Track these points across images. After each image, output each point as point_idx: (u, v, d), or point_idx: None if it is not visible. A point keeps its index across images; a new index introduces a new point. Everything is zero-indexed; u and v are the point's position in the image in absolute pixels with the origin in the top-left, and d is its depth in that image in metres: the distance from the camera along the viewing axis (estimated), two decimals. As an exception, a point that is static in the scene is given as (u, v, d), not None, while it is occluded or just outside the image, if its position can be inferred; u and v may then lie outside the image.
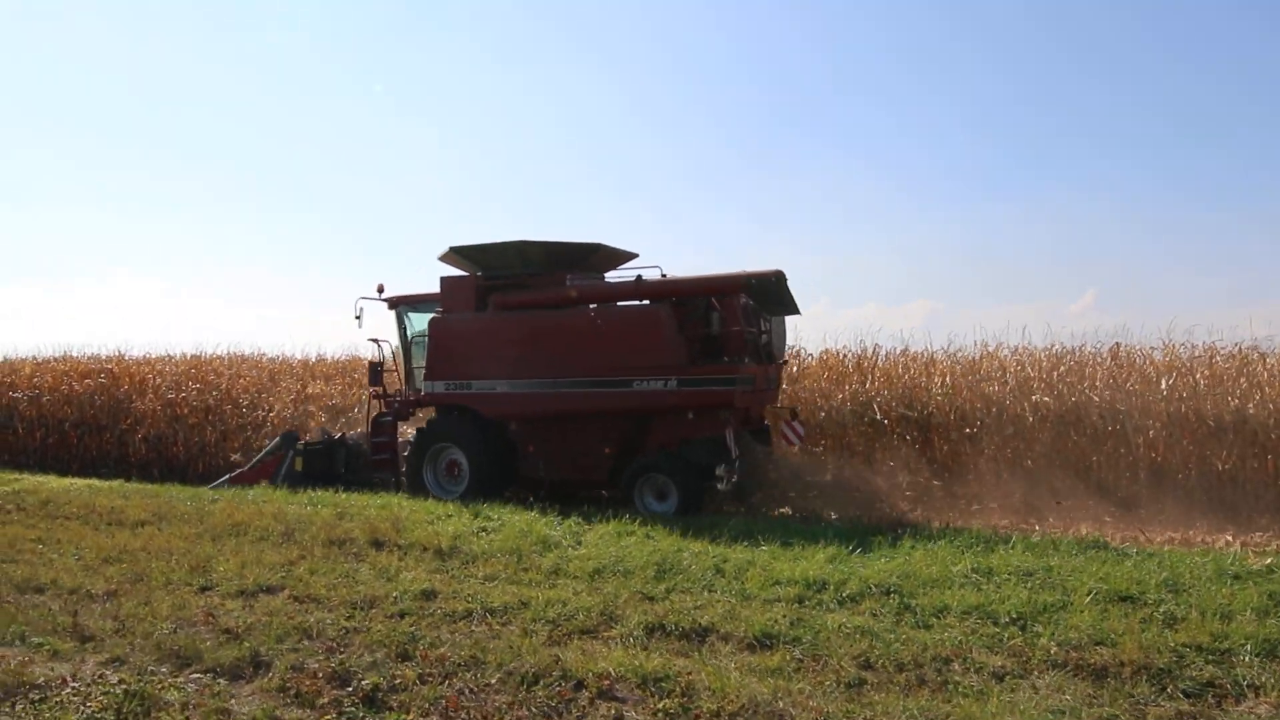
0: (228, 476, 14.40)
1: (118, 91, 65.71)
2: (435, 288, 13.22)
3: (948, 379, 14.08)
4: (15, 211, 60.33)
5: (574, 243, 12.79)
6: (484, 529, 9.79)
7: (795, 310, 12.37)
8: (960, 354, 14.82)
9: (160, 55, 62.96)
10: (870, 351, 14.96)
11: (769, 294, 11.87)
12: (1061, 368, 13.50)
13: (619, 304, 12.43)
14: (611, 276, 13.34)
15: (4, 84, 64.47)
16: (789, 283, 11.83)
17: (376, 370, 13.97)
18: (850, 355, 15.02)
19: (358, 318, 13.59)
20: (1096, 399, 12.75)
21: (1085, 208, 46.99)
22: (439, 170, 65.84)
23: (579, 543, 9.10)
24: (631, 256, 13.48)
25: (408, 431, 14.01)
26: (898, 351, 14.96)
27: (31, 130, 63.29)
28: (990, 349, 14.70)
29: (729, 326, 11.74)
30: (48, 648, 5.75)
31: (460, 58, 62.53)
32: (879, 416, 13.90)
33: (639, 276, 12.50)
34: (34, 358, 20.21)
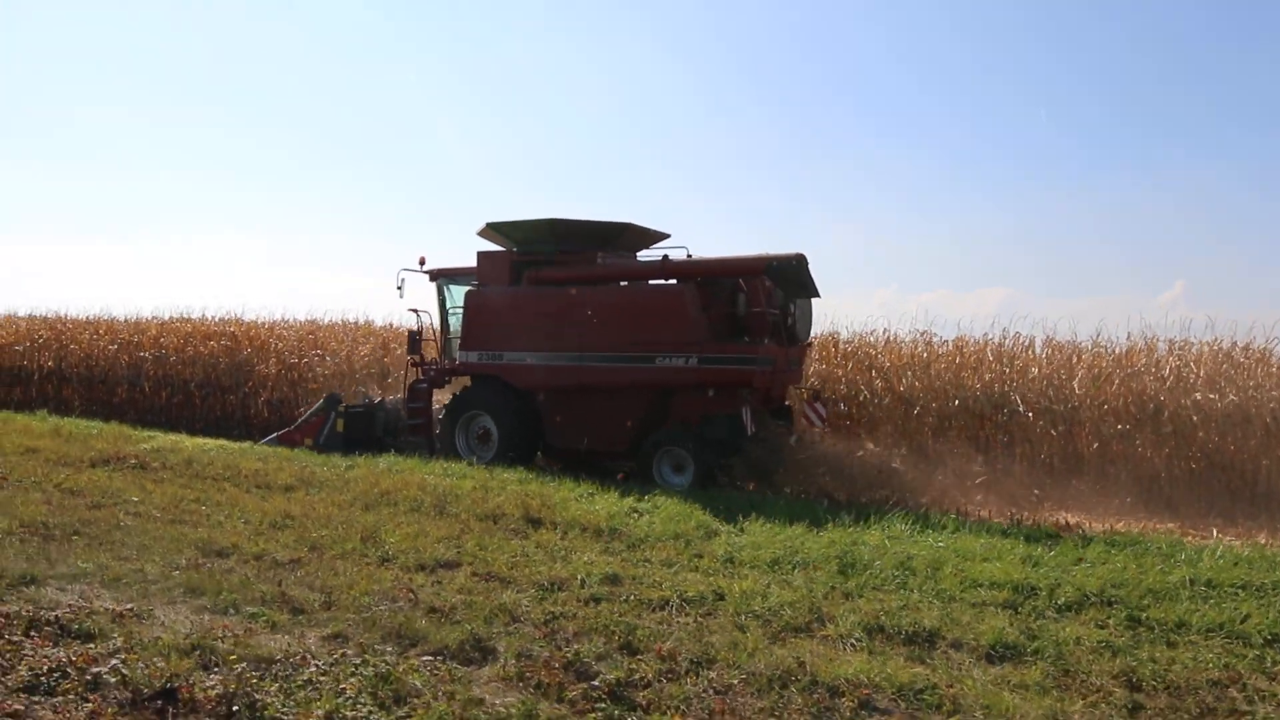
0: (275, 435, 14.93)
1: (195, 51, 66.99)
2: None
3: (1093, 370, 13.37)
4: (113, 172, 62.15)
5: (605, 221, 13.11)
6: (636, 510, 9.51)
7: (815, 293, 12.58)
8: (1107, 345, 14.04)
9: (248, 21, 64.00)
10: (1010, 339, 14.26)
11: (790, 277, 12.07)
12: (1225, 364, 12.66)
13: (645, 282, 12.87)
14: (643, 255, 13.56)
15: (101, 46, 66.24)
16: (809, 265, 12.10)
17: (415, 339, 14.40)
18: (990, 342, 14.32)
19: (399, 288, 14.11)
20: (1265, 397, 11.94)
21: (1170, 198, 44.91)
22: (502, 141, 65.90)
23: (742, 530, 8.77)
24: (663, 237, 13.66)
25: (442, 398, 14.40)
26: (1039, 341, 14.21)
27: (118, 94, 64.96)
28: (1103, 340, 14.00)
29: (749, 307, 12.05)
30: (264, 618, 5.61)
31: (527, 30, 62.25)
32: (1021, 408, 13.25)
33: (665, 256, 12.75)
34: (158, 318, 20.61)
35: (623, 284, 12.96)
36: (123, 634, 5.18)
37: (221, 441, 15.02)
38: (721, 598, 6.51)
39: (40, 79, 66.80)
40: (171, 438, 15.20)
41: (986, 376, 13.79)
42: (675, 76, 60.41)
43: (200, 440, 14.86)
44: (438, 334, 14.64)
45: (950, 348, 14.75)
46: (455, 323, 14.13)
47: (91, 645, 5.01)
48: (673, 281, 12.52)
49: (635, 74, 61.26)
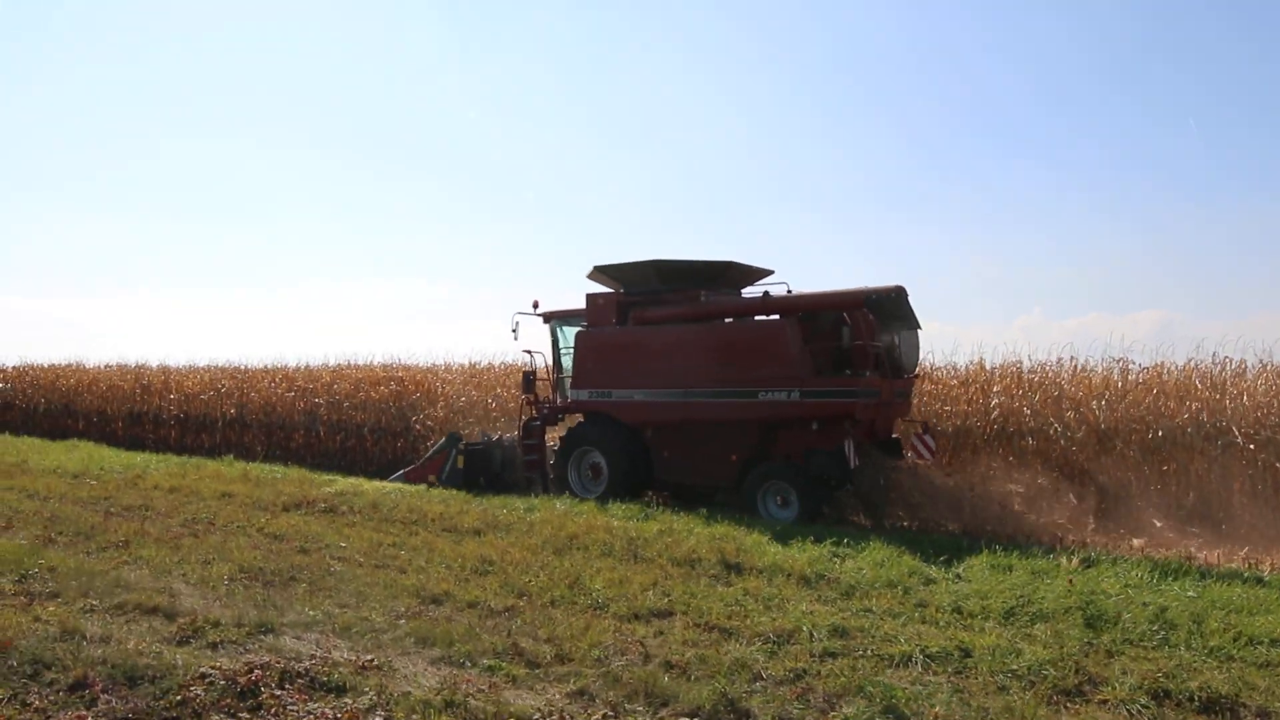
0: (402, 472, 15.61)
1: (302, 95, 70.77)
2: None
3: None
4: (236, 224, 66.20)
5: (707, 261, 13.33)
6: (836, 554, 9.04)
7: (916, 325, 12.49)
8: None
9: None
10: (1218, 364, 13.07)
11: (890, 309, 12.05)
12: None
13: (747, 319, 12.97)
14: (748, 293, 13.75)
15: (205, 87, 71.02)
16: (909, 297, 12.09)
17: (529, 379, 14.87)
18: (1196, 369, 13.17)
19: (514, 331, 14.66)
20: None
21: None
22: (628, 178, 66.60)
23: (958, 576, 8.17)
24: (766, 273, 13.81)
25: (555, 435, 14.78)
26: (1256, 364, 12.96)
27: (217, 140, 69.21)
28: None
29: (849, 340, 12.08)
30: (503, 671, 5.47)
31: (644, 65, 62.96)
32: (1238, 439, 12.07)
33: (766, 292, 13.03)
34: (328, 366, 21.53)
35: (727, 321, 13.07)
36: (373, 688, 5.12)
37: (398, 484, 15.37)
38: (968, 654, 5.98)
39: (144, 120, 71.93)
40: (350, 481, 15.66)
41: (1193, 405, 12.64)
42: (800, 110, 59.94)
43: (377, 483, 15.23)
44: (551, 373, 15.04)
45: (1147, 375, 13.63)
46: (567, 362, 14.44)
47: (346, 699, 4.97)
48: (775, 317, 12.63)
49: (758, 108, 61.13)
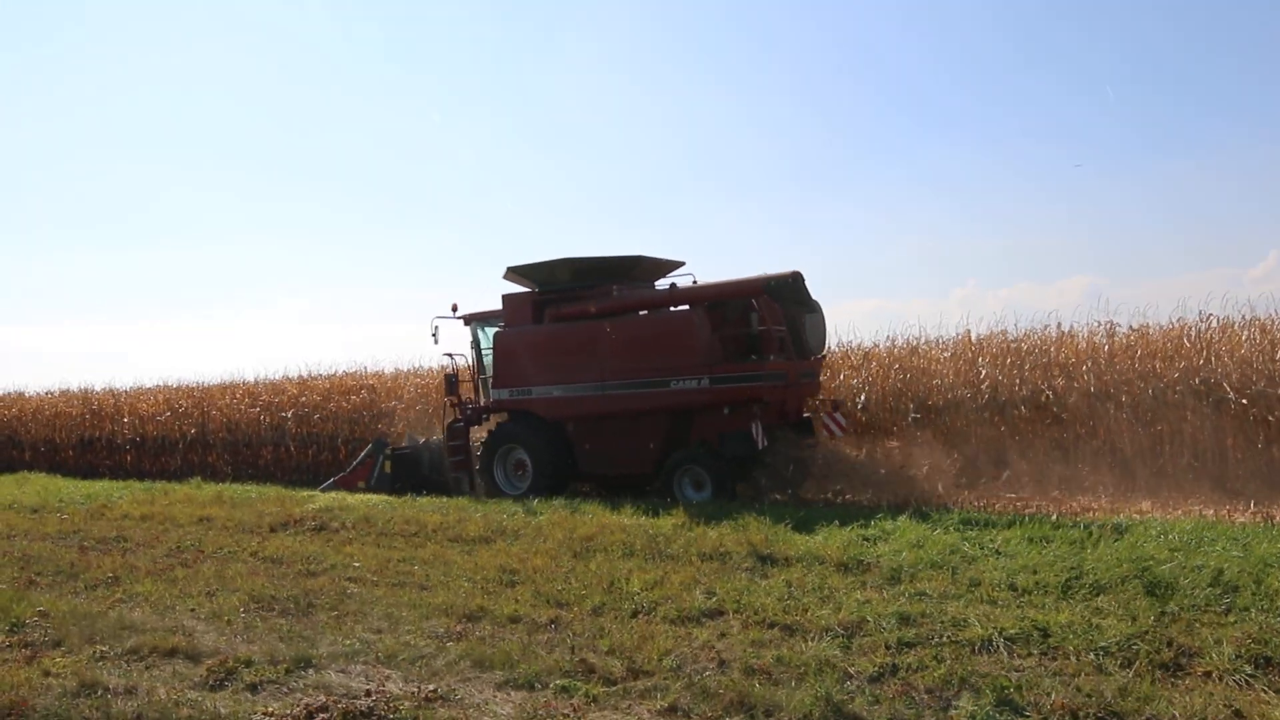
0: (332, 480, 15.91)
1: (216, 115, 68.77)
2: None
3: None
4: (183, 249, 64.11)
5: (617, 256, 13.60)
6: (865, 538, 8.79)
7: (814, 308, 12.83)
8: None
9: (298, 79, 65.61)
10: (1203, 322, 13.17)
11: (789, 294, 12.36)
12: None
13: (657, 311, 13.26)
14: (662, 284, 14.07)
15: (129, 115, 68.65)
16: (806, 281, 12.49)
17: (452, 381, 15.01)
18: (1184, 326, 13.24)
19: (434, 335, 14.78)
20: None
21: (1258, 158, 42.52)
22: (544, 176, 66.03)
23: (998, 552, 7.97)
24: (677, 265, 14.13)
25: (480, 436, 14.95)
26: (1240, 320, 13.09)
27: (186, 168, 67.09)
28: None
29: (752, 326, 12.37)
30: (580, 692, 5.07)
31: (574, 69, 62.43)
32: (1230, 395, 12.17)
33: (673, 284, 13.61)
34: (292, 378, 20.63)
35: (638, 314, 13.31)
36: (447, 722, 4.68)
37: (382, 495, 14.75)
38: (1046, 633, 5.75)
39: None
40: (330, 496, 14.98)
41: (1181, 365, 12.73)
42: (715, 93, 59.88)
43: (360, 496, 14.60)
44: (474, 374, 15.14)
45: (1131, 336, 13.70)
46: (489, 362, 14.54)
47: (423, 739, 4.53)
48: (684, 308, 12.93)
49: (673, 94, 60.90)
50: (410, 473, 15.19)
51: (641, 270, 13.89)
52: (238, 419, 20.14)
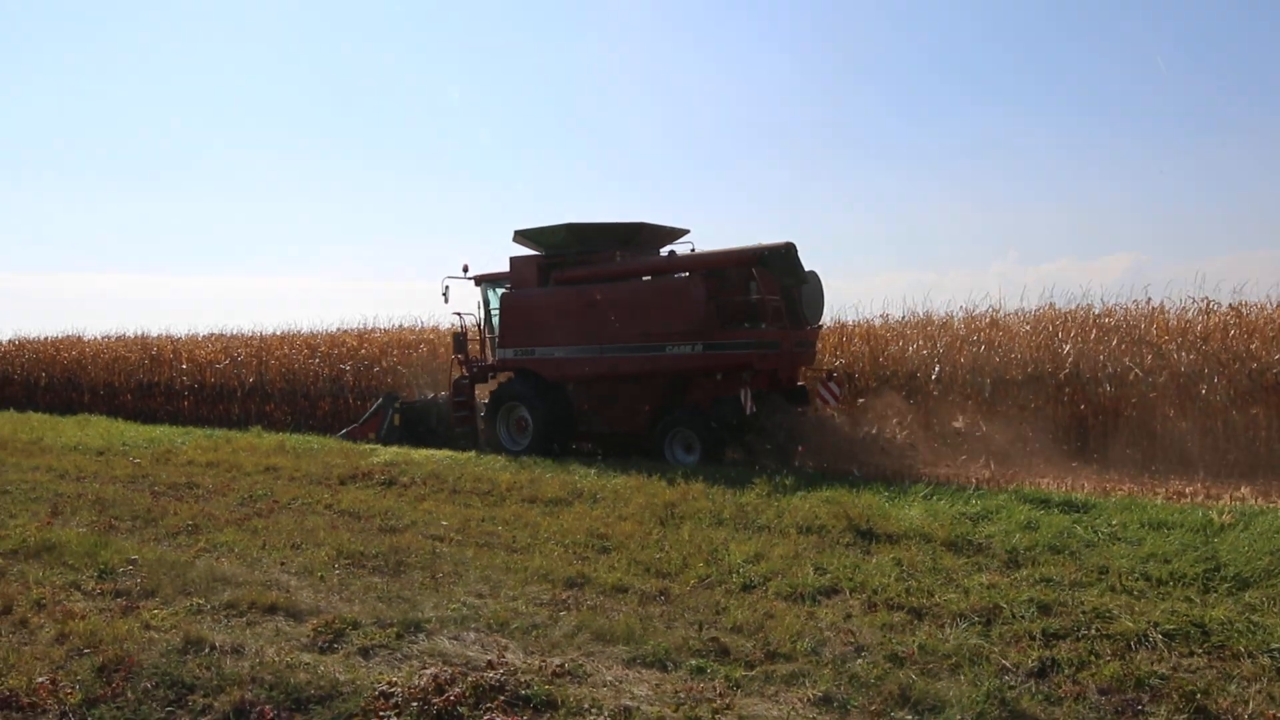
0: (345, 430, 16.22)
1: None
2: None
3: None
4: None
5: (621, 223, 13.70)
6: (966, 515, 8.32)
7: (804, 279, 12.79)
8: None
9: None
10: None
11: (781, 264, 12.48)
12: None
13: (657, 277, 13.32)
14: (666, 251, 14.17)
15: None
16: (799, 252, 12.63)
17: (460, 339, 15.17)
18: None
19: (445, 294, 14.69)
20: None
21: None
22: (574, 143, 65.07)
23: (1115, 537, 7.47)
24: (682, 233, 14.18)
25: (487, 392, 15.12)
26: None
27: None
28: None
29: (750, 295, 12.35)
30: (718, 674, 4.68)
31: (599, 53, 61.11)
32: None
33: (672, 252, 13.81)
34: (354, 329, 20.35)
35: (642, 279, 13.36)
36: (584, 702, 4.31)
37: (448, 452, 14.46)
38: (1205, 630, 5.26)
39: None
40: (393, 449, 14.72)
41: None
42: (779, 63, 58.45)
43: (424, 451, 14.32)
44: (482, 334, 15.25)
45: (1226, 315, 12.99)
46: (496, 322, 14.69)
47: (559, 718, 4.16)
48: (683, 275, 12.98)
49: (736, 61, 59.52)
50: (419, 426, 15.57)
51: (644, 237, 13.94)
52: (296, 370, 19.95)
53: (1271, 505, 9.24)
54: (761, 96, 61.23)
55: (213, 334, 22.59)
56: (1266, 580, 6.18)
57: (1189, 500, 10.03)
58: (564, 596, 6.21)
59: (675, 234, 14.19)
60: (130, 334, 25.21)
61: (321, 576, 6.76)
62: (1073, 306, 13.88)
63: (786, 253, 12.49)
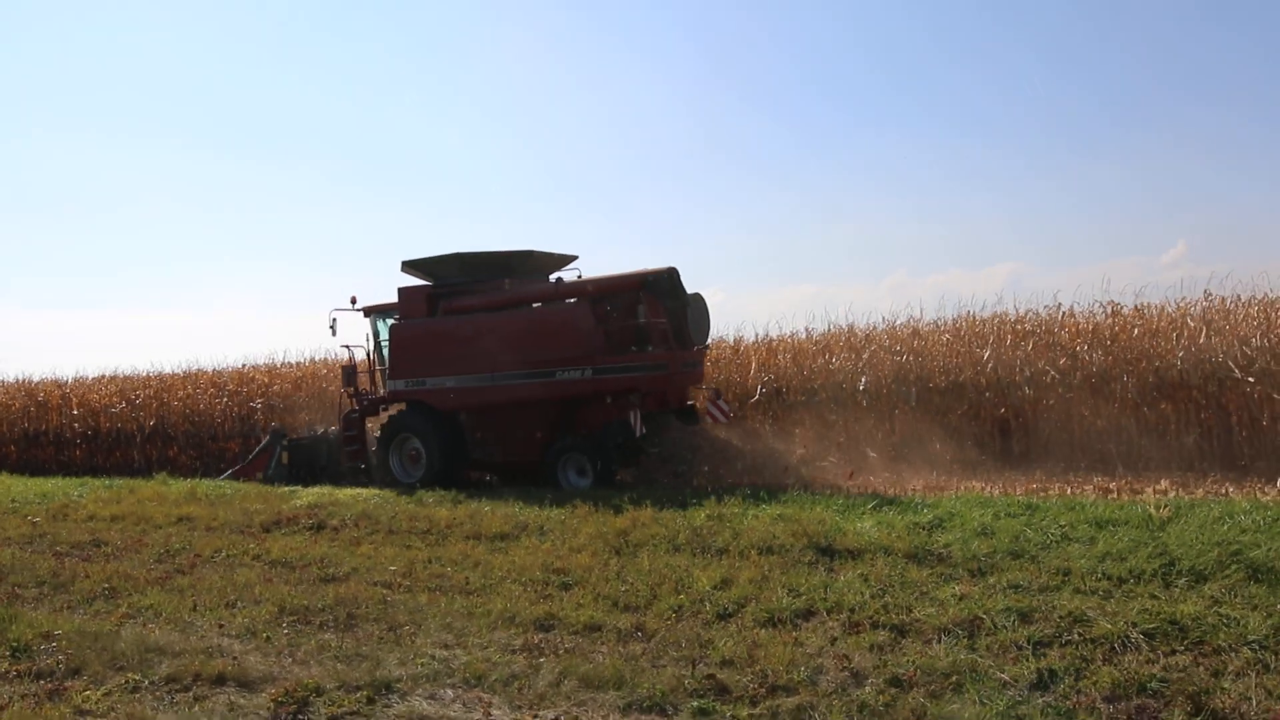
0: (230, 471, 15.89)
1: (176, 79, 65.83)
2: None
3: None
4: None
5: (508, 251, 13.77)
6: (918, 524, 8.32)
7: (687, 302, 12.98)
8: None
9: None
10: (1213, 301, 13.12)
11: (665, 289, 12.66)
12: None
13: (547, 304, 13.36)
14: (556, 277, 14.16)
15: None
16: (680, 277, 12.78)
17: (349, 372, 14.94)
18: (1187, 305, 13.19)
19: (332, 327, 14.57)
20: None
21: (1172, 153, 44.02)
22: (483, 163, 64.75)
23: (1066, 537, 7.56)
24: (570, 259, 14.29)
25: (378, 425, 14.89)
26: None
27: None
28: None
29: (637, 319, 12.50)
30: (716, 714, 4.44)
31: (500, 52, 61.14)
32: (1235, 373, 12.09)
33: (559, 279, 13.75)
34: (263, 365, 19.27)
35: (531, 306, 13.44)
36: (590, 759, 4.01)
37: (371, 489, 13.83)
38: (1181, 628, 5.32)
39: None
40: (315, 490, 13.97)
41: (1188, 345, 12.62)
42: (660, 88, 59.34)
43: (350, 490, 13.62)
44: (372, 366, 15.06)
45: (1131, 317, 13.58)
46: (386, 354, 14.55)
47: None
48: (570, 301, 13.05)
49: (618, 88, 60.14)
50: (309, 463, 15.31)
51: (532, 264, 13.97)
52: (201, 410, 18.80)
53: (1195, 497, 9.61)
54: (645, 123, 61.95)
55: (104, 375, 21.11)
56: (1220, 572, 6.32)
57: (1115, 496, 10.36)
58: (536, 640, 5.88)
59: (564, 260, 14.26)
60: (9, 379, 23.40)
61: (268, 637, 6.23)
62: (988, 314, 14.24)
63: (669, 277, 12.65)
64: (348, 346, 15.38)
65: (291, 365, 19.00)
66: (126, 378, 20.76)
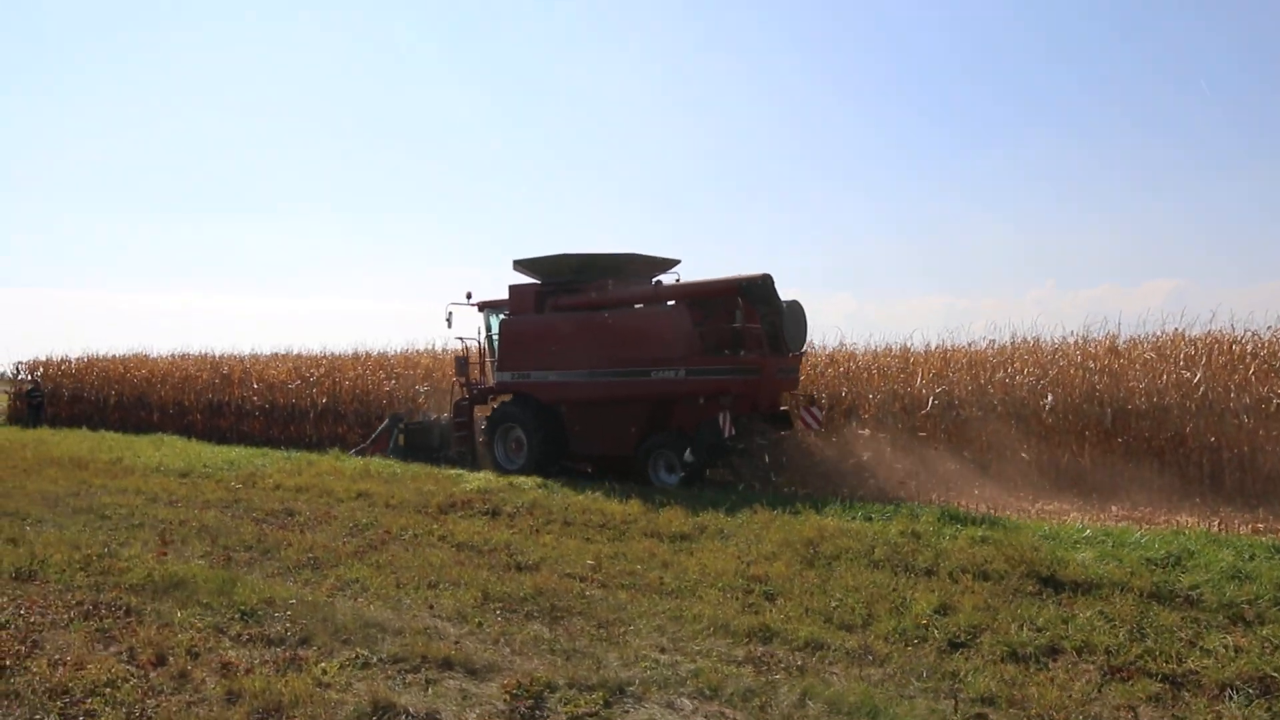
0: (356, 449, 16.86)
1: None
2: None
3: None
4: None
5: (613, 253, 14.08)
6: (1151, 559, 7.52)
7: (780, 308, 13.05)
8: None
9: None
10: None
11: (759, 294, 12.83)
12: None
13: (648, 305, 13.80)
14: (663, 279, 14.67)
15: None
16: (774, 283, 12.96)
17: (462, 363, 15.89)
18: None
19: (448, 319, 15.37)
20: None
21: None
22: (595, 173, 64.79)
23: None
24: (673, 263, 14.60)
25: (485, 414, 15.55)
26: None
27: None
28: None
29: (736, 323, 12.66)
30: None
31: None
32: None
33: (658, 282, 14.47)
34: (425, 349, 19.83)
35: (636, 307, 13.81)
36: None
37: (534, 478, 13.85)
38: None
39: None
40: (480, 475, 14.14)
41: None
42: (819, 83, 57.88)
43: (517, 479, 13.70)
44: (484, 358, 15.89)
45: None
46: (496, 347, 15.26)
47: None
48: (670, 303, 13.46)
49: (786, 92, 59.03)
50: (423, 444, 16.24)
51: (636, 266, 14.36)
52: (370, 390, 19.50)
53: None
54: (798, 115, 60.74)
55: (280, 354, 22.21)
56: None
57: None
58: (757, 653, 5.54)
59: (667, 264, 14.60)
60: (197, 353, 24.98)
61: (479, 623, 6.14)
62: (1203, 333, 13.00)
63: (764, 283, 12.86)
64: (461, 339, 16.17)
65: (449, 352, 19.42)
66: (300, 356, 21.77)
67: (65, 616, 6.29)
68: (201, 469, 15.16)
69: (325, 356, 21.37)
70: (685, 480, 12.43)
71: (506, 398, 14.95)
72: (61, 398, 26.80)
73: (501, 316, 14.97)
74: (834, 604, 6.60)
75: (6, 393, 30.10)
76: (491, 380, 15.38)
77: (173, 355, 25.26)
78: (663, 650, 5.60)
